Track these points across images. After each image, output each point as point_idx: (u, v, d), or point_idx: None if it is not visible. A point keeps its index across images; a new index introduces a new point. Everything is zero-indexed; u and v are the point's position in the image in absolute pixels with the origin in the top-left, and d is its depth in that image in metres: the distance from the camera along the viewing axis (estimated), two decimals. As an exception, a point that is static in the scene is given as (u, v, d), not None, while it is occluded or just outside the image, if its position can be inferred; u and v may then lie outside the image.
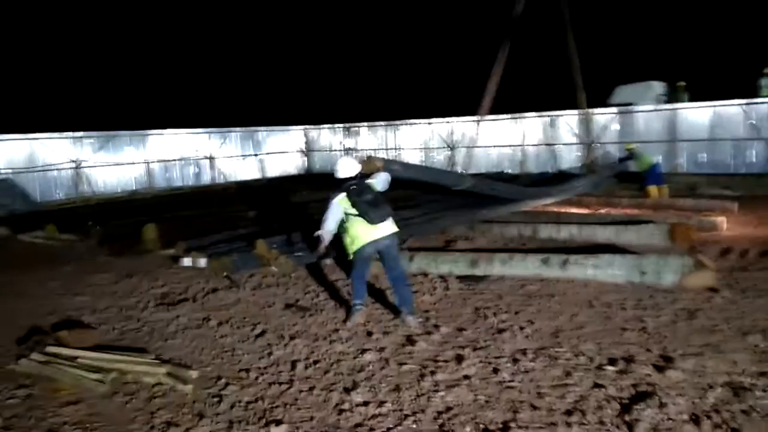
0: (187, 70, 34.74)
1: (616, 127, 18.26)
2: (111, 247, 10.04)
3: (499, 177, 16.88)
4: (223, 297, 7.02)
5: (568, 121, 19.02)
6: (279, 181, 22.59)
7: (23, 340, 5.58)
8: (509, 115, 20.11)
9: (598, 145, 18.16)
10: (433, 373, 4.51)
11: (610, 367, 4.42)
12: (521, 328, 5.42)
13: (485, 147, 20.57)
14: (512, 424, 3.67)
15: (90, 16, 33.28)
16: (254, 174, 23.74)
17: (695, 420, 3.57)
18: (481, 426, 3.67)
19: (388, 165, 6.32)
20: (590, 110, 18.18)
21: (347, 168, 5.74)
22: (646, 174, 13.64)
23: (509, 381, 4.30)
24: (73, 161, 18.71)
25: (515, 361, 4.65)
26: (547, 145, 19.59)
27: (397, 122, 23.42)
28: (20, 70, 29.87)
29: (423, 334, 5.40)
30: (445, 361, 4.73)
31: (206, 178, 22.20)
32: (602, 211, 12.09)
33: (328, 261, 7.99)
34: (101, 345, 5.43)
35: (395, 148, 23.38)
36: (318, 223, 5.77)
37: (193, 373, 4.62)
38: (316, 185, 18.86)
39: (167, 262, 8.98)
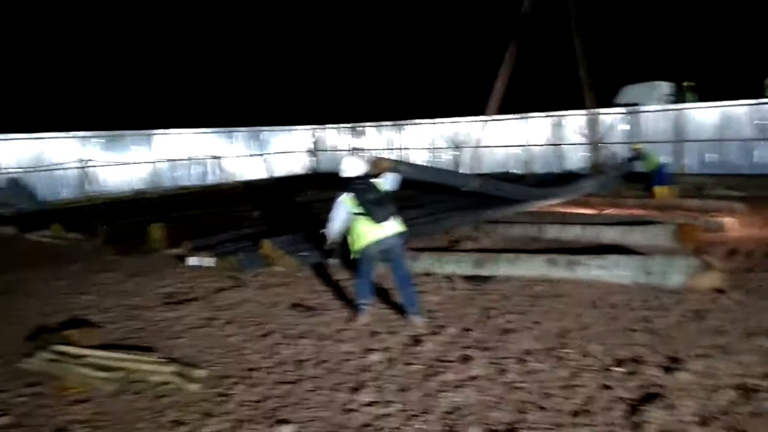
0: (194, 70, 34.84)
1: (622, 127, 18.20)
2: (117, 246, 10.07)
3: (505, 177, 16.85)
4: (228, 296, 7.03)
5: (574, 121, 18.97)
6: (285, 181, 22.61)
7: (31, 339, 5.61)
8: (515, 115, 20.07)
9: (605, 145, 18.10)
10: (439, 373, 4.50)
11: (617, 368, 4.41)
12: (528, 329, 5.41)
13: (491, 147, 20.54)
14: (520, 425, 3.66)
15: (97, 17, 33.40)
16: (260, 174, 23.77)
17: (704, 422, 3.56)
18: (489, 427, 3.67)
19: (396, 166, 6.32)
20: (597, 110, 18.12)
21: (353, 167, 5.74)
22: (653, 174, 13.60)
23: (516, 382, 4.29)
24: (79, 161, 18.77)
25: (522, 361, 4.64)
26: (553, 145, 19.55)
27: (403, 122, 23.41)
28: (28, 71, 30.00)
29: (429, 335, 5.39)
30: (452, 362, 4.72)
31: (212, 178, 22.24)
32: (608, 211, 12.05)
33: (333, 260, 8.00)
34: (108, 344, 5.45)
35: (401, 148, 23.37)
36: (324, 223, 5.79)
37: (200, 372, 4.63)
38: (322, 185, 18.88)
39: (173, 262, 9.01)
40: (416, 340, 5.25)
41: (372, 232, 5.55)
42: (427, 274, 7.48)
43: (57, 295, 7.43)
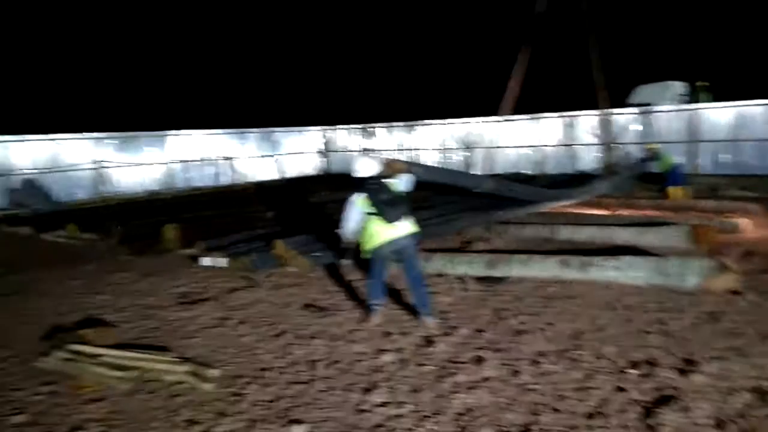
0: (207, 72, 35.05)
1: (636, 127, 18.08)
2: (131, 246, 10.14)
3: (516, 178, 16.79)
4: (241, 297, 7.07)
5: (587, 121, 18.86)
6: (296, 182, 22.69)
7: (47, 338, 5.67)
8: (527, 116, 19.97)
9: (618, 145, 17.98)
10: (452, 374, 4.50)
11: (632, 371, 4.38)
12: (541, 330, 5.39)
13: (503, 147, 20.47)
14: (533, 427, 3.65)
15: (112, 19, 33.70)
16: (272, 174, 23.85)
17: (720, 425, 3.53)
18: (501, 428, 3.66)
19: (409, 168, 6.32)
20: (610, 110, 18.00)
21: (365, 167, 5.75)
22: (667, 175, 13.50)
23: (529, 383, 4.27)
24: (94, 162, 18.93)
25: (535, 363, 4.63)
26: (565, 145, 19.44)
27: (414, 123, 23.39)
28: (44, 73, 30.32)
29: (441, 336, 5.39)
30: (465, 363, 4.72)
31: (225, 179, 22.34)
32: (622, 212, 11.97)
33: (346, 261, 8.01)
34: (123, 343, 5.50)
35: (412, 149, 23.35)
36: (338, 223, 5.80)
37: (214, 372, 4.66)
38: (334, 185, 18.91)
39: (187, 262, 9.06)
40: (429, 341, 5.24)
41: (384, 233, 5.55)
42: (440, 275, 7.48)
43: (72, 295, 7.50)
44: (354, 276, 7.64)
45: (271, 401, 4.22)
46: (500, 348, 5.01)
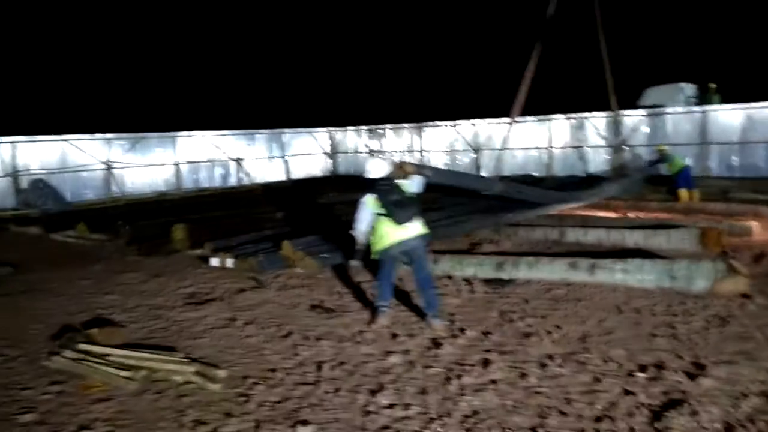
0: (215, 73, 35.18)
1: (645, 129, 17.99)
2: (140, 246, 10.18)
3: (525, 180, 16.74)
4: (249, 297, 7.08)
5: (595, 123, 18.79)
6: (304, 183, 22.73)
7: (56, 338, 5.70)
8: (536, 117, 19.92)
9: (627, 147, 17.90)
10: (459, 376, 4.48)
11: (640, 374, 4.35)
12: (548, 333, 5.37)
13: (511, 149, 20.40)
14: (540, 430, 3.63)
15: (122, 20, 33.90)
16: (280, 176, 23.89)
17: (728, 429, 3.50)
18: (509, 431, 3.65)
19: (419, 170, 6.32)
20: (620, 112, 17.92)
21: (376, 168, 5.78)
22: (676, 177, 13.42)
23: (537, 386, 4.26)
24: (103, 162, 19.04)
25: (543, 366, 4.61)
26: (574, 147, 19.38)
27: (422, 124, 23.38)
28: (53, 74, 30.53)
29: (449, 338, 5.38)
30: (472, 365, 4.70)
31: (233, 180, 22.41)
32: (631, 214, 11.92)
33: (355, 262, 7.99)
34: (131, 343, 5.52)
35: (420, 150, 23.34)
36: (346, 224, 5.81)
37: (221, 372, 4.67)
38: (340, 187, 18.94)
39: (195, 262, 9.10)
40: (436, 343, 5.23)
41: (394, 234, 5.57)
42: (448, 277, 7.47)
43: (81, 295, 7.54)
44: (362, 277, 7.64)
45: (278, 402, 4.22)
46: (507, 350, 5.00)
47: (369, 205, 5.63)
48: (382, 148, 24.50)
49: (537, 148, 20.12)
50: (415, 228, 5.64)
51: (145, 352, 5.04)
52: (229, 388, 4.48)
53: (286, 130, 24.80)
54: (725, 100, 17.74)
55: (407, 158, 23.14)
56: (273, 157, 23.97)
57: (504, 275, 7.28)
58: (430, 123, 23.12)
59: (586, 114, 19.03)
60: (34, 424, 4.05)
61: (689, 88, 19.11)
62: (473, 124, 21.66)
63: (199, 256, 9.28)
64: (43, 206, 16.22)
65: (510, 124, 11.48)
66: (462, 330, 5.55)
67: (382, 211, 5.56)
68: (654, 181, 15.07)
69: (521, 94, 11.05)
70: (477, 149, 21.40)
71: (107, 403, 4.31)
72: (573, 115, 19.35)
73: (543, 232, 9.75)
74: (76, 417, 4.12)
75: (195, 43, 35.05)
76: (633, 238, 8.77)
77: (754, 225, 9.69)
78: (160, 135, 20.87)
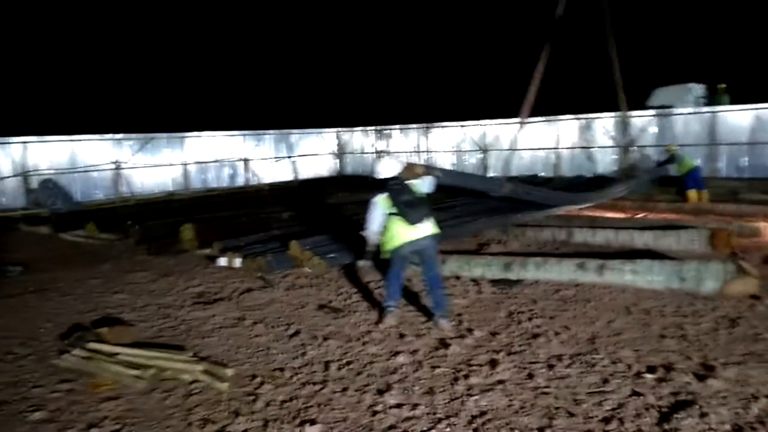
0: (223, 74, 35.29)
1: (654, 130, 17.91)
2: (149, 246, 10.23)
3: (532, 180, 16.70)
4: (257, 297, 7.10)
5: (604, 123, 18.72)
6: (311, 184, 22.78)
7: (65, 336, 5.73)
8: (544, 118, 19.86)
9: (636, 148, 17.82)
10: (466, 376, 4.48)
11: (648, 375, 4.34)
12: (556, 334, 5.36)
13: (519, 150, 20.34)
14: (548, 431, 3.62)
15: (132, 21, 34.08)
16: (287, 176, 23.95)
17: (737, 431, 3.48)
18: (517, 431, 3.64)
19: (428, 171, 6.33)
20: (629, 112, 17.83)
21: (388, 168, 5.81)
22: (686, 178, 13.35)
23: (545, 387, 4.25)
24: (113, 162, 19.14)
25: (550, 366, 4.60)
26: (582, 148, 19.31)
27: (429, 125, 23.36)
28: (63, 75, 30.72)
29: (456, 338, 5.37)
30: (479, 365, 4.70)
31: (241, 180, 22.49)
32: (640, 215, 11.87)
33: (362, 263, 8.00)
34: (140, 342, 5.55)
35: (427, 151, 23.32)
36: (356, 224, 5.82)
37: (229, 372, 4.68)
38: (348, 187, 18.96)
39: (203, 262, 9.13)
40: (443, 343, 5.23)
41: (405, 233, 5.59)
42: (456, 277, 7.46)
43: (90, 294, 7.58)
44: (370, 277, 7.65)
45: (286, 401, 4.23)
46: (515, 351, 4.99)
47: (380, 204, 5.65)
48: (390, 149, 24.50)
49: (544, 148, 20.06)
50: (427, 228, 5.65)
51: (154, 351, 5.06)
52: (237, 387, 4.49)
53: (294, 130, 24.86)
54: (734, 100, 17.61)
55: (414, 159, 23.15)
56: (280, 158, 24.03)
57: (512, 276, 7.27)
58: (438, 123, 23.09)
59: (595, 114, 18.96)
60: (43, 422, 4.08)
61: (698, 89, 18.99)
62: (481, 125, 21.62)
63: (207, 256, 9.31)
64: (53, 206, 16.33)
65: (520, 125, 11.44)
66: (470, 330, 5.54)
67: (394, 210, 5.57)
68: (663, 182, 14.99)
69: (530, 95, 11.02)
70: (484, 150, 21.36)
71: (116, 401, 4.34)
72: (581, 115, 19.28)
73: (551, 233, 9.72)
74: (85, 415, 4.15)
75: (204, 44, 35.19)
76: (642, 239, 8.73)
77: (764, 226, 9.63)
78: (169, 135, 20.96)
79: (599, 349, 4.93)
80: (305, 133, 25.26)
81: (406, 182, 5.73)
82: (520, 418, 3.81)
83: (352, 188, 19.02)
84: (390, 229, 5.66)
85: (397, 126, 24.50)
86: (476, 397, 4.13)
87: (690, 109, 17.66)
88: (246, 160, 22.60)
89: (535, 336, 5.33)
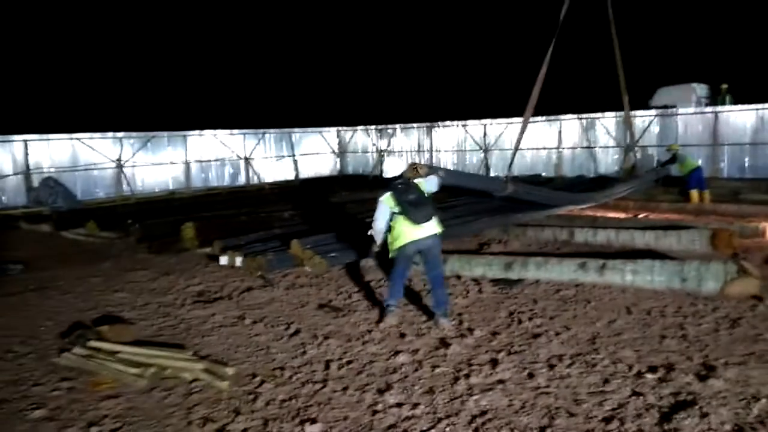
0: (225, 73, 35.31)
1: (656, 129, 17.88)
2: (150, 245, 10.24)
3: (533, 180, 16.67)
4: (257, 296, 7.10)
5: (606, 123, 18.70)
6: (313, 182, 22.78)
7: (66, 335, 5.73)
8: (545, 117, 19.84)
9: (638, 148, 17.78)
10: (467, 376, 4.48)
11: (649, 375, 4.33)
12: (557, 334, 5.35)
13: (520, 149, 20.29)
14: (548, 431, 3.62)
15: (134, 20, 34.09)
16: (288, 175, 23.95)
17: (738, 431, 3.47)
18: (517, 431, 3.63)
19: (432, 172, 6.33)
20: (631, 112, 17.80)
21: (394, 167, 5.82)
22: (688, 178, 13.33)
23: (545, 386, 4.24)
24: (114, 161, 19.14)
25: (551, 366, 4.59)
26: (583, 148, 19.28)
27: (432, 124, 23.32)
28: (65, 73, 30.74)
29: (456, 337, 5.37)
30: (480, 365, 4.69)
31: (242, 179, 22.49)
32: (642, 215, 11.85)
33: (369, 261, 7.97)
34: (140, 340, 5.55)
35: (429, 150, 23.29)
36: (358, 223, 5.82)
37: (229, 370, 4.68)
38: (349, 186, 18.96)
39: (204, 261, 9.13)
40: (444, 343, 5.23)
41: (410, 232, 5.60)
42: (457, 277, 7.46)
43: (91, 292, 7.59)
44: (370, 276, 7.64)
45: (286, 400, 4.23)
46: (515, 351, 4.98)
47: (386, 203, 5.66)
48: (391, 148, 24.47)
49: (546, 148, 20.03)
50: (431, 227, 5.66)
51: (154, 350, 5.06)
52: (238, 385, 4.49)
53: (296, 129, 24.85)
54: (737, 100, 17.58)
55: (416, 158, 23.13)
56: (282, 157, 24.03)
57: (513, 275, 7.26)
58: (440, 123, 23.06)
59: (597, 114, 18.92)
60: (43, 420, 4.08)
61: (701, 89, 18.95)
62: (482, 124, 21.58)
63: (208, 255, 9.31)
64: (54, 204, 16.34)
65: (523, 124, 11.41)
66: (470, 330, 5.54)
67: (398, 209, 5.58)
68: (666, 182, 14.96)
69: (534, 95, 11.00)
70: (486, 149, 21.34)
71: (116, 399, 4.34)
72: (583, 115, 19.24)
73: (552, 233, 9.71)
74: (86, 413, 4.15)
75: (206, 42, 35.20)
76: (643, 239, 8.72)
77: (766, 226, 9.60)
78: (171, 134, 20.95)
79: (600, 349, 4.92)
80: (306, 132, 25.25)
81: (412, 181, 5.74)
82: (520, 417, 3.80)
83: (354, 187, 19.02)
84: (395, 228, 5.68)
85: (399, 125, 24.46)
86: (477, 396, 4.13)
87: (692, 109, 17.63)
88: (247, 159, 22.60)
89: (536, 336, 5.33)
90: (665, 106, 18.28)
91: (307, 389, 4.40)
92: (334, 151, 26.08)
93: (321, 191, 18.51)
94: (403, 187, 5.63)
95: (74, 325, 6.05)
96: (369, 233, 5.92)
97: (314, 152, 25.23)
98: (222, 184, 21.71)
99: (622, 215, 11.92)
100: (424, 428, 3.74)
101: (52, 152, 18.02)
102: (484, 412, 3.89)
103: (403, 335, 5.51)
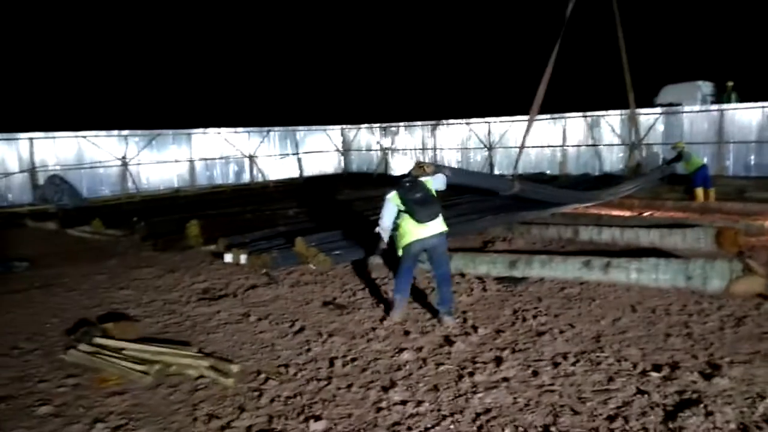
0: (230, 71, 35.35)
1: (661, 127, 17.82)
2: (155, 242, 10.27)
3: (538, 178, 16.64)
4: (262, 293, 7.12)
5: (611, 121, 18.64)
6: (317, 180, 22.79)
7: (71, 332, 5.76)
8: (550, 115, 19.78)
9: (643, 146, 17.72)
10: (471, 374, 4.48)
11: (654, 373, 4.32)
12: (561, 332, 5.35)
13: (526, 147, 20.23)
14: (553, 429, 3.62)
15: (139, 18, 34.16)
16: (292, 173, 23.98)
17: (744, 430, 3.47)
18: (521, 429, 3.64)
19: (439, 170, 6.33)
20: (636, 110, 17.73)
21: (401, 166, 5.82)
22: (693, 176, 13.29)
23: (549, 384, 4.24)
24: (119, 159, 19.20)
25: (555, 364, 4.59)
26: (588, 146, 19.23)
27: (435, 122, 23.30)
28: (70, 71, 30.83)
29: (461, 335, 5.37)
30: (484, 363, 4.69)
31: (246, 177, 22.52)
32: (647, 213, 11.82)
33: (375, 258, 7.98)
34: (145, 337, 5.57)
35: (433, 148, 23.26)
36: (364, 221, 5.83)
37: (234, 367, 4.70)
38: (353, 184, 18.96)
39: (209, 258, 9.16)
40: (448, 341, 5.23)
41: (416, 231, 5.61)
42: (461, 275, 7.46)
43: (96, 290, 7.62)
44: (375, 274, 7.65)
45: (290, 397, 4.24)
46: (520, 349, 4.98)
47: (393, 201, 5.67)
48: (396, 146, 24.45)
49: (551, 146, 19.99)
50: (436, 226, 5.66)
51: (160, 347, 5.08)
52: (242, 382, 4.51)
53: (300, 127, 24.87)
54: (743, 98, 17.50)
55: (419, 156, 23.12)
56: (286, 155, 24.05)
57: (517, 273, 7.25)
58: (444, 121, 23.04)
59: (602, 112, 18.87)
60: (49, 417, 4.10)
61: (707, 86, 18.88)
62: (487, 122, 21.55)
63: (213, 252, 9.34)
64: (60, 202, 16.42)
65: (529, 123, 11.39)
66: (474, 328, 5.54)
67: (404, 208, 5.59)
68: (671, 180, 14.91)
69: (540, 93, 10.97)
70: (490, 147, 21.30)
71: (122, 396, 4.36)
72: (588, 113, 19.19)
73: (556, 231, 9.69)
74: (91, 410, 4.17)
75: (211, 41, 35.25)
76: (648, 237, 8.69)
77: (772, 225, 9.57)
78: (176, 132, 21.01)
79: (604, 348, 4.91)
80: (311, 130, 25.27)
81: (419, 180, 5.74)
82: (524, 415, 3.80)
83: (358, 185, 19.02)
84: (402, 226, 5.69)
85: (403, 123, 24.44)
86: (481, 394, 4.13)
87: (698, 107, 17.57)
88: (251, 157, 22.64)
89: (540, 334, 5.32)
90: (670, 104, 18.21)
91: (311, 386, 4.41)
92: (338, 149, 26.10)
93: (325, 189, 18.51)
94: (409, 185, 5.64)
95: (80, 322, 6.07)
96: (376, 231, 5.93)
97: (318, 150, 25.25)
98: (226, 182, 21.76)
99: (627, 213, 11.89)
100: (429, 426, 3.74)
101: (57, 150, 18.10)
102: (488, 410, 3.90)
103: (407, 333, 5.51)
